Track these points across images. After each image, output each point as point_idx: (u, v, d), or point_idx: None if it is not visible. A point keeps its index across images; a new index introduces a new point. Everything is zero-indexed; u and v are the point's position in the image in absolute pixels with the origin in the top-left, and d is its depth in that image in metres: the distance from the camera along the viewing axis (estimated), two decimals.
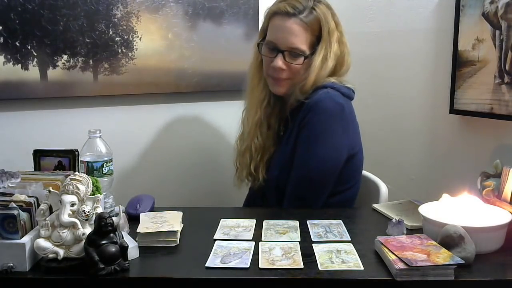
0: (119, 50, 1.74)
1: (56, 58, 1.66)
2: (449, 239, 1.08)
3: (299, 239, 1.21)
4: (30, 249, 1.06)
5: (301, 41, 1.45)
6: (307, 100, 1.46)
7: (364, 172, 1.65)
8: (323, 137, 1.45)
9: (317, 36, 1.48)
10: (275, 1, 1.52)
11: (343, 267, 1.06)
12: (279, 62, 1.46)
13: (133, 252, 1.11)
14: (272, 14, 1.49)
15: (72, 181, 1.09)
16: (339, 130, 1.47)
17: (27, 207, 1.11)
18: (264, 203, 1.57)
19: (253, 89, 1.56)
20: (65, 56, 1.67)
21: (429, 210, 1.21)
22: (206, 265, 1.07)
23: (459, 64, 1.79)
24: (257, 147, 1.55)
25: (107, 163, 1.34)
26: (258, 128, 1.55)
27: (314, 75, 1.46)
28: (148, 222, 1.26)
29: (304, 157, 1.47)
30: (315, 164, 1.46)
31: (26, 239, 1.06)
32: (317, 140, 1.45)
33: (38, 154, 1.34)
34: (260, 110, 1.55)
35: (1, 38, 1.58)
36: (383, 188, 1.61)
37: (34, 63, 1.63)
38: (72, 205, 1.07)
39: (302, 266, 1.06)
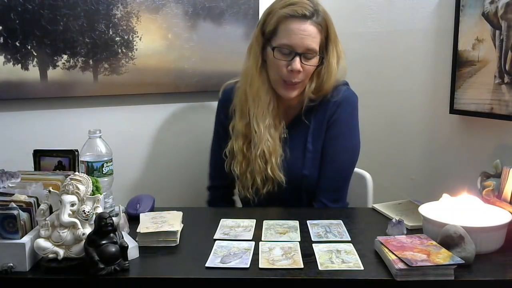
0: (119, 50, 1.74)
1: (56, 58, 1.66)
2: (449, 239, 1.08)
3: (299, 239, 1.21)
4: (30, 249, 1.06)
5: (316, 43, 1.47)
6: (334, 99, 1.54)
7: None
8: (354, 130, 1.58)
9: (326, 37, 1.50)
10: (277, 5, 1.49)
11: (343, 267, 1.06)
12: (297, 65, 1.46)
13: (133, 252, 1.11)
14: (286, 17, 1.46)
15: (72, 181, 1.09)
16: (358, 122, 1.60)
17: (27, 207, 1.11)
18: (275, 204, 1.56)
19: (257, 94, 1.53)
20: (65, 56, 1.67)
21: (429, 210, 1.22)
22: (206, 265, 1.07)
23: (459, 64, 1.79)
24: (270, 150, 1.53)
25: (107, 163, 1.34)
26: (267, 131, 1.54)
27: (334, 75, 1.52)
28: (148, 222, 1.26)
29: (338, 150, 1.56)
30: (348, 155, 1.57)
31: (26, 239, 1.06)
32: (349, 133, 1.57)
33: (38, 154, 1.34)
34: (269, 113, 1.54)
35: (1, 38, 1.57)
36: (367, 175, 1.71)
37: (34, 63, 1.63)
38: (72, 205, 1.07)
39: (302, 266, 1.07)
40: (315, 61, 1.49)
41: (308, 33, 1.45)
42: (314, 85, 1.52)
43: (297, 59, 1.46)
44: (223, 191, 1.67)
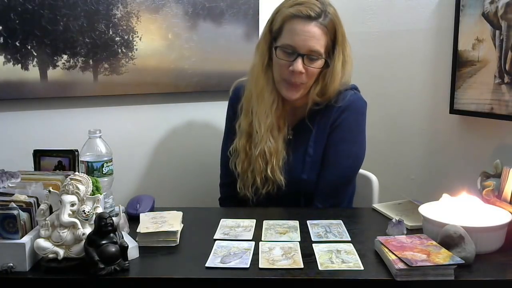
0: (119, 50, 1.74)
1: (56, 58, 1.66)
2: (449, 239, 1.08)
3: (299, 239, 1.21)
4: (30, 249, 1.06)
5: (321, 45, 1.45)
6: (338, 103, 1.51)
7: None
8: (358, 135, 1.56)
9: (332, 40, 1.48)
10: (286, 3, 1.48)
11: (343, 267, 1.06)
12: (299, 66, 1.44)
13: (133, 252, 1.11)
14: (290, 17, 1.45)
15: (72, 181, 1.09)
16: (365, 127, 1.58)
17: (27, 207, 1.11)
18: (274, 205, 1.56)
19: (261, 93, 1.53)
20: (65, 56, 1.67)
21: (429, 210, 1.22)
22: (206, 265, 1.07)
23: (459, 64, 1.79)
24: (272, 151, 1.52)
25: (107, 163, 1.34)
26: (269, 132, 1.53)
27: (338, 79, 1.49)
28: (148, 222, 1.26)
29: (339, 156, 1.53)
30: (350, 162, 1.55)
31: (26, 239, 1.06)
32: (352, 139, 1.54)
33: (38, 154, 1.34)
34: (271, 113, 1.52)
35: (1, 38, 1.57)
36: (373, 177, 1.69)
37: (34, 63, 1.63)
38: (72, 205, 1.07)
39: (302, 266, 1.07)
40: (319, 63, 1.46)
41: (311, 35, 1.43)
42: (319, 88, 1.50)
43: (299, 60, 1.44)
44: (234, 189, 1.65)
